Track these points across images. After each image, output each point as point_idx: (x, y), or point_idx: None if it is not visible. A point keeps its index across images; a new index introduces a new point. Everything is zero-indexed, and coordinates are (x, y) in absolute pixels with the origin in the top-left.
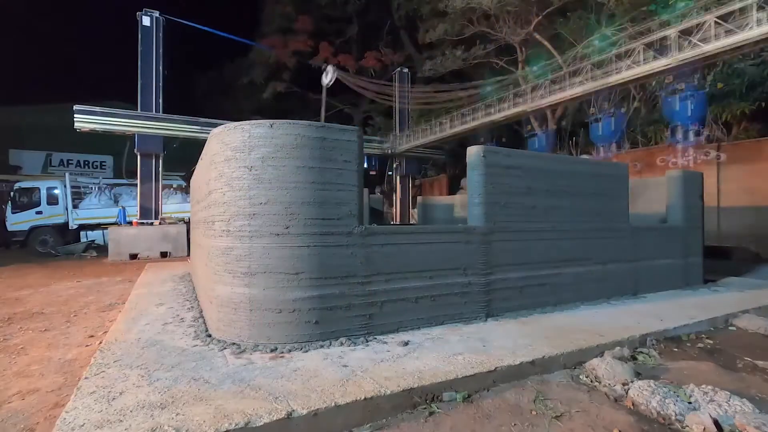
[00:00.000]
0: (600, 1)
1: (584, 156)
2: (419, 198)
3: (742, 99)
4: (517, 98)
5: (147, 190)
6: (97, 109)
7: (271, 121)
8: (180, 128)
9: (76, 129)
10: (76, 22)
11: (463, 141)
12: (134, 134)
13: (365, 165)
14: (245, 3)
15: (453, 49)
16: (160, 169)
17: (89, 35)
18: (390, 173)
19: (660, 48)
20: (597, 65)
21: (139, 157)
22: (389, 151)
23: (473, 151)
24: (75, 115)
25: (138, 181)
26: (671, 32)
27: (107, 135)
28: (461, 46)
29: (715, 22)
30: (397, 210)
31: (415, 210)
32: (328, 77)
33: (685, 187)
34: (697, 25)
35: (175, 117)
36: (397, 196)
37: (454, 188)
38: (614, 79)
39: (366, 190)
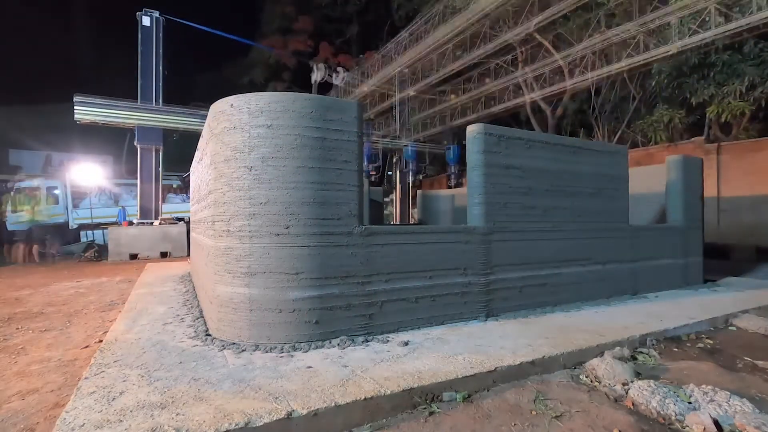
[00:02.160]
0: (600, 1)
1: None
2: (419, 191)
3: (741, 99)
4: (518, 90)
5: (147, 185)
6: (98, 99)
7: (264, 94)
8: (180, 120)
9: (76, 121)
10: (77, 22)
11: (461, 141)
12: (134, 127)
13: (365, 162)
14: (245, 3)
15: (453, 49)
16: (161, 163)
17: (89, 35)
18: (390, 173)
19: (660, 36)
20: (597, 55)
21: (139, 151)
22: (389, 146)
23: (473, 148)
24: (75, 107)
25: (138, 175)
26: (672, 19)
27: (107, 127)
28: (461, 46)
29: (716, 8)
30: (397, 209)
31: (416, 210)
32: (319, 74)
33: (685, 171)
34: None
35: (176, 109)
36: (398, 195)
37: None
38: (616, 66)
39: (366, 181)
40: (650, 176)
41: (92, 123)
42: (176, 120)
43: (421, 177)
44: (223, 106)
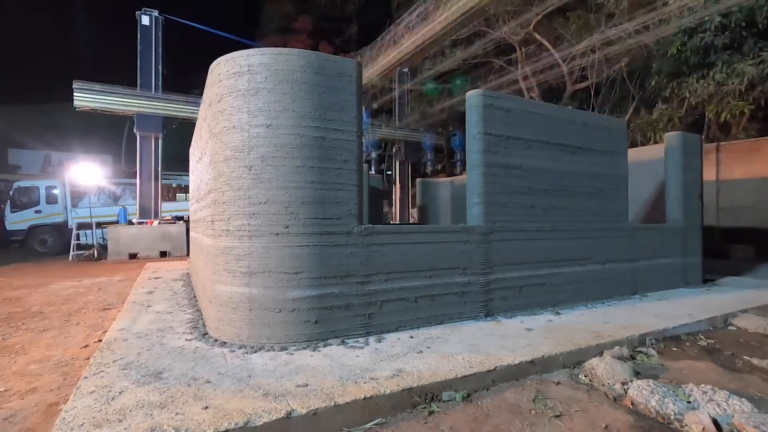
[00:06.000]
0: (599, 0)
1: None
2: (419, 180)
3: (741, 98)
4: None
5: (146, 180)
6: (97, 86)
7: (261, 51)
8: (180, 108)
9: (75, 108)
10: (77, 20)
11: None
12: (134, 114)
13: (366, 151)
14: (245, 3)
15: (453, 48)
16: (160, 153)
17: (89, 34)
18: (389, 173)
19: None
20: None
21: (138, 139)
22: (388, 136)
23: (472, 148)
24: (74, 93)
25: (137, 167)
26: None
27: (107, 124)
28: (461, 45)
29: None
30: (396, 207)
31: (415, 210)
32: None
33: (684, 148)
34: None
35: (175, 97)
36: (397, 191)
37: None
38: (612, 50)
39: (366, 165)
40: (651, 157)
41: (92, 110)
42: (176, 108)
43: (429, 170)
44: (222, 106)
